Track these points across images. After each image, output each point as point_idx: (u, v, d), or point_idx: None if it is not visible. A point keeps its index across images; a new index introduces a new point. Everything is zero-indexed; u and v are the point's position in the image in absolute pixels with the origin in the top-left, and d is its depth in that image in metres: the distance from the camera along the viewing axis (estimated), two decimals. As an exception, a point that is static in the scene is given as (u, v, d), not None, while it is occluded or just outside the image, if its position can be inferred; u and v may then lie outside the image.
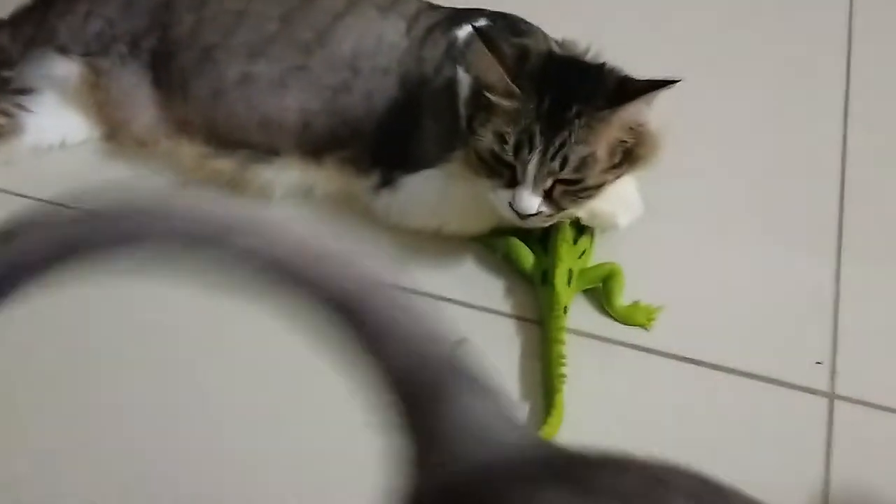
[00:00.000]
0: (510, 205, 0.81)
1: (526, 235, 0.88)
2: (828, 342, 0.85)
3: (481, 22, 0.93)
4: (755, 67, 1.13)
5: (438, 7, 0.96)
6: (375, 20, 0.93)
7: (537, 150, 0.78)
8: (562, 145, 0.78)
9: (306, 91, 0.91)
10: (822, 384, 0.82)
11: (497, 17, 0.94)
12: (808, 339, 0.85)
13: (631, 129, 0.80)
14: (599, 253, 0.89)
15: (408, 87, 0.91)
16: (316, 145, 0.92)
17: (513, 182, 0.80)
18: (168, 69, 0.95)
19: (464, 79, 0.87)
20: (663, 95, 0.79)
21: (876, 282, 0.90)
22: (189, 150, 0.95)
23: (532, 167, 0.78)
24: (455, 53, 0.90)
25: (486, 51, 0.79)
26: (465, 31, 0.91)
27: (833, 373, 0.83)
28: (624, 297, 0.86)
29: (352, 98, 0.91)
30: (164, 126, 0.96)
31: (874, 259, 0.91)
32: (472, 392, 0.41)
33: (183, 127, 0.95)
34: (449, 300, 0.87)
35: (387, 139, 0.91)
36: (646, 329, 0.85)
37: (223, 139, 0.94)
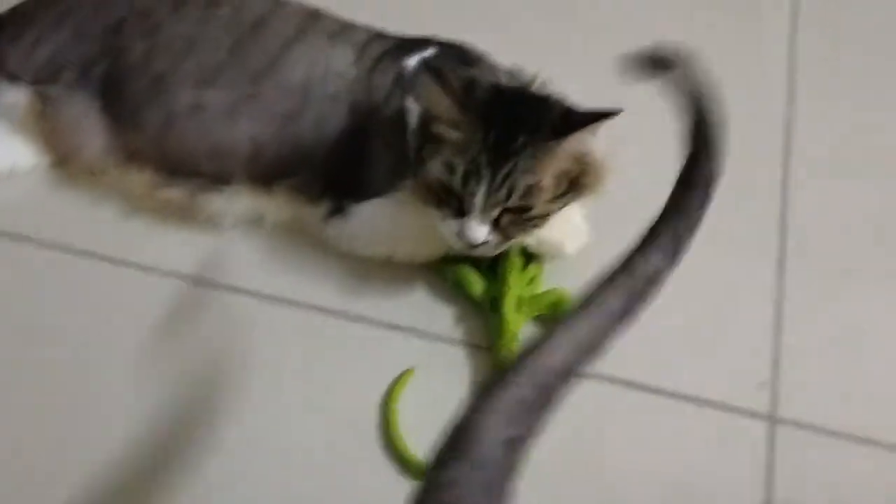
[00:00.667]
0: (458, 234, 0.81)
1: (476, 262, 0.89)
2: (768, 362, 0.87)
3: (430, 51, 0.94)
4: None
5: (388, 35, 0.97)
6: (325, 48, 0.94)
7: (484, 181, 0.79)
8: (508, 175, 0.79)
9: (257, 119, 0.91)
10: (764, 406, 0.84)
11: (446, 46, 0.95)
12: (751, 360, 0.87)
13: (576, 158, 0.81)
14: (548, 279, 0.90)
15: (358, 116, 0.91)
16: (266, 173, 0.92)
17: (461, 212, 0.81)
18: (118, 97, 0.94)
19: (413, 109, 0.88)
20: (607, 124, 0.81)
21: (819, 299, 0.92)
22: (139, 179, 0.94)
23: (479, 197, 0.79)
24: (404, 83, 0.91)
25: (434, 83, 0.80)
26: (414, 61, 0.92)
27: (774, 395, 0.85)
28: (572, 323, 0.87)
29: (302, 126, 0.91)
30: (114, 154, 0.95)
31: (817, 275, 0.93)
32: None
33: (133, 155, 0.94)
34: (399, 328, 0.88)
35: (337, 167, 0.91)
36: (594, 355, 0.87)
37: (173, 168, 0.93)
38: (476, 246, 0.82)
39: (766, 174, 1.02)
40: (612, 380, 0.85)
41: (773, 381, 0.86)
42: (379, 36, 0.97)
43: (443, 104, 0.80)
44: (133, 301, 0.89)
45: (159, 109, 0.93)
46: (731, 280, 0.92)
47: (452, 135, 0.80)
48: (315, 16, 0.97)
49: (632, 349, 0.84)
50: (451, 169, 0.80)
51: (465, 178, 0.79)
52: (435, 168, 0.81)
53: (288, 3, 0.98)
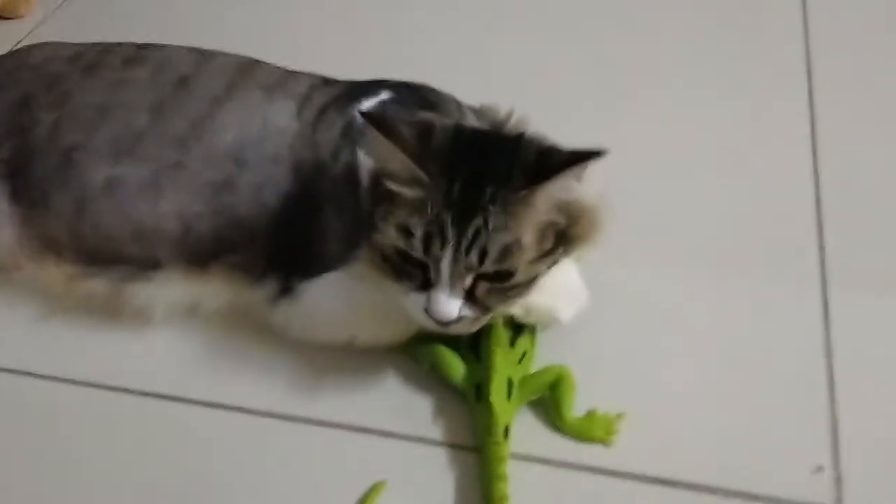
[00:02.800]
0: (426, 311, 0.66)
1: (454, 341, 0.74)
2: (826, 442, 0.70)
3: (384, 95, 0.81)
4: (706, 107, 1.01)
5: (334, 81, 0.84)
6: (260, 103, 0.80)
7: (450, 244, 0.64)
8: (476, 235, 0.64)
9: (184, 191, 0.78)
10: (827, 496, 0.67)
11: (402, 88, 0.82)
12: (803, 440, 0.70)
13: (560, 208, 0.67)
14: (543, 355, 0.74)
15: (302, 178, 0.77)
16: (200, 253, 0.78)
17: (426, 284, 0.66)
18: (26, 179, 0.81)
19: (365, 163, 0.74)
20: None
21: (875, 356, 0.76)
22: (56, 272, 0.81)
23: (446, 264, 0.65)
24: (354, 134, 0.77)
25: (379, 134, 0.66)
26: (364, 107, 0.78)
27: (838, 480, 0.68)
28: (576, 408, 0.71)
29: (238, 195, 0.77)
30: (26, 247, 0.81)
31: (869, 332, 0.78)
32: None
33: (47, 246, 0.81)
34: (367, 430, 0.72)
35: (282, 239, 0.77)
36: (606, 445, 0.70)
37: (93, 256, 0.80)
38: (448, 324, 0.66)
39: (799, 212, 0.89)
40: (648, 479, 0.68)
41: (834, 462, 0.69)
42: (325, 83, 0.84)
43: (395, 158, 0.66)
44: (52, 419, 0.75)
45: (71, 189, 0.79)
46: (772, 349, 0.78)
47: (409, 192, 0.66)
48: (248, 67, 0.84)
49: (668, 441, 0.70)
50: (408, 233, 0.65)
51: (427, 242, 0.65)
52: (389, 233, 0.66)
53: (217, 56, 0.86)
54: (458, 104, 0.81)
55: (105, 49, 0.88)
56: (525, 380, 0.72)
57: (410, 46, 1.14)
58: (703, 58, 1.09)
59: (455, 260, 0.64)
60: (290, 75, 0.84)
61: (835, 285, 0.82)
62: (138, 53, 0.87)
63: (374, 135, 0.66)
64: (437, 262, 0.65)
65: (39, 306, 0.82)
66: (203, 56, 0.86)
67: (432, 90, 0.82)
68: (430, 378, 0.75)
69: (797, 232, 0.87)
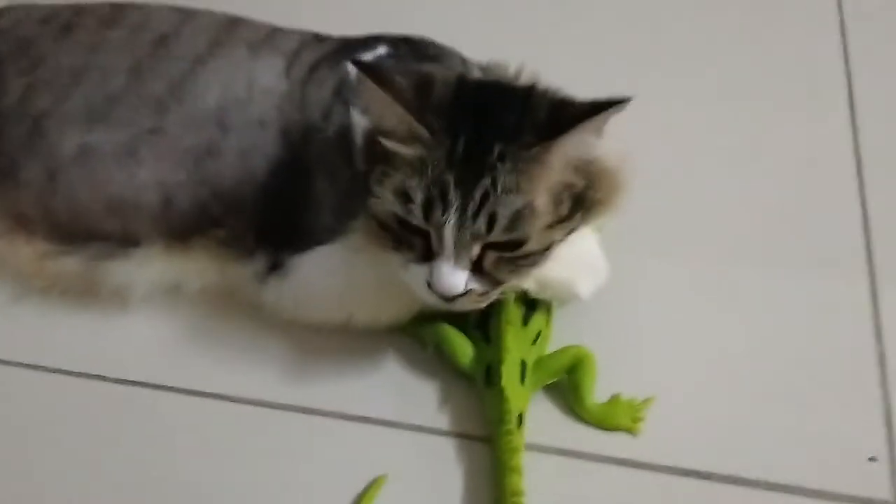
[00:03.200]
0: (428, 284, 0.59)
1: (461, 320, 0.67)
2: (881, 429, 0.62)
3: (381, 50, 0.74)
4: (739, 76, 0.93)
5: (326, 38, 0.76)
6: (245, 61, 0.73)
7: (453, 208, 0.57)
8: (485, 198, 0.57)
9: (163, 159, 0.71)
10: (882, 487, 0.59)
11: (400, 43, 0.75)
12: (852, 428, 0.63)
13: (578, 167, 0.59)
14: (559, 334, 0.67)
15: (292, 142, 0.70)
16: (182, 227, 0.71)
17: (428, 254, 0.59)
18: (-6, 151, 0.75)
19: (360, 123, 0.67)
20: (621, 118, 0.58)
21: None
22: (26, 251, 0.74)
23: (449, 231, 0.57)
24: (347, 93, 0.70)
25: (374, 85, 0.58)
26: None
27: (894, 472, 0.60)
28: (598, 392, 0.64)
29: (222, 162, 0.70)
30: (-5, 224, 0.75)
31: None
32: None
33: (17, 222, 0.74)
34: (366, 420, 0.65)
35: (271, 210, 0.70)
36: (632, 433, 0.63)
37: (66, 232, 0.73)
38: (453, 299, 0.59)
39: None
40: (678, 471, 0.61)
41: (890, 452, 0.61)
42: (315, 40, 0.77)
43: (392, 113, 0.59)
44: (23, 409, 0.68)
45: (41, 158, 0.72)
46: (815, 324, 0.70)
47: (407, 152, 0.59)
48: (234, 25, 0.77)
49: (699, 428, 0.62)
50: (406, 197, 0.58)
51: (427, 207, 0.57)
52: (386, 198, 0.59)
53: (200, 14, 0.79)
54: (463, 59, 0.74)
55: (79, 10, 0.81)
56: (540, 362, 0.65)
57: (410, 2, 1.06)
58: (739, 46, 0.99)
59: (460, 227, 0.57)
60: (279, 32, 0.77)
61: (882, 267, 0.74)
62: (115, 13, 0.80)
63: (368, 86, 0.59)
64: (440, 229, 0.58)
65: (9, 288, 0.75)
66: (185, 14, 0.79)
67: (434, 44, 0.75)
68: (435, 361, 0.68)
69: (840, 219, 0.79)
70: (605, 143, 0.60)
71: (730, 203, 0.80)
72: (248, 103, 0.72)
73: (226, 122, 0.71)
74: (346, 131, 0.68)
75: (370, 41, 0.75)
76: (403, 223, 0.59)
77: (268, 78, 0.72)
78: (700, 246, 0.76)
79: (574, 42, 0.98)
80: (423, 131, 0.58)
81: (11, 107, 0.74)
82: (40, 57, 0.76)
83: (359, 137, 0.66)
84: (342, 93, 0.70)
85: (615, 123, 0.58)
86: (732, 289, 0.72)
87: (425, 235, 0.59)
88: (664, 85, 0.90)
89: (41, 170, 0.73)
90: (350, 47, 0.74)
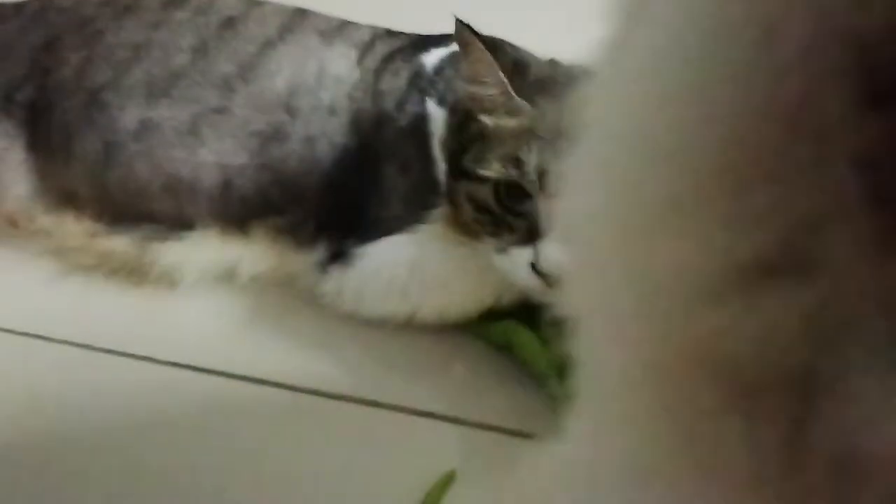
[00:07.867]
0: (532, 266, 0.58)
1: (534, 317, 0.64)
2: None
3: (455, 47, 0.73)
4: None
5: (398, 33, 0.75)
6: (317, 48, 0.72)
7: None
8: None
9: (226, 140, 0.69)
10: None
11: (474, 41, 0.74)
12: None
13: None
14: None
15: (362, 130, 0.69)
16: (241, 212, 0.69)
17: (531, 234, 0.58)
18: (47, 125, 0.72)
19: (436, 114, 0.66)
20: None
21: None
22: (74, 228, 0.71)
23: (563, 203, 0.56)
24: (423, 84, 0.69)
25: (479, 55, 0.60)
26: (434, 57, 0.71)
27: None
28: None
29: (288, 147, 0.69)
30: (42, 199, 0.72)
31: None
32: None
33: (66, 198, 0.71)
34: (432, 415, 0.62)
35: (336, 199, 0.68)
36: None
37: (118, 211, 0.70)
38: (557, 281, 0.58)
39: None
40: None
41: None
42: (387, 34, 0.76)
43: (491, 78, 0.60)
44: (68, 386, 0.64)
45: (97, 134, 0.70)
46: None
47: (508, 123, 0.59)
48: (302, 14, 0.76)
49: None
50: (517, 161, 0.58)
51: (542, 173, 0.58)
52: (493, 168, 0.59)
53: (265, 3, 0.78)
54: (535, 57, 0.74)
55: (140, -7, 0.80)
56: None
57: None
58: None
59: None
60: (350, 23, 0.76)
61: None
62: (178, -4, 0.79)
63: (472, 49, 0.60)
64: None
65: (55, 266, 0.71)
66: (250, 2, 0.78)
67: (510, 44, 0.74)
68: (501, 361, 0.65)
69: None
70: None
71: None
72: (319, 90, 0.70)
73: (294, 108, 0.69)
74: (420, 122, 0.67)
75: (443, 38, 0.74)
76: (510, 198, 0.59)
77: (340, 66, 0.71)
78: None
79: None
80: (523, 103, 0.59)
81: (68, 80, 0.72)
82: (99, 33, 0.74)
83: (437, 128, 0.65)
84: (417, 84, 0.69)
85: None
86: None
87: (529, 216, 0.58)
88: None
89: (97, 145, 0.70)
90: (423, 42, 0.73)
